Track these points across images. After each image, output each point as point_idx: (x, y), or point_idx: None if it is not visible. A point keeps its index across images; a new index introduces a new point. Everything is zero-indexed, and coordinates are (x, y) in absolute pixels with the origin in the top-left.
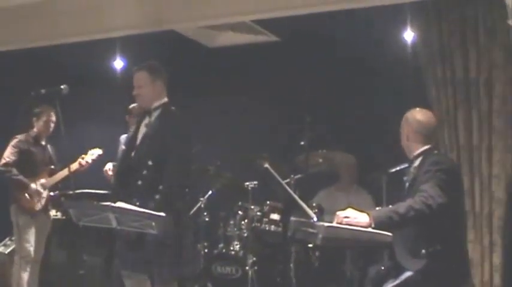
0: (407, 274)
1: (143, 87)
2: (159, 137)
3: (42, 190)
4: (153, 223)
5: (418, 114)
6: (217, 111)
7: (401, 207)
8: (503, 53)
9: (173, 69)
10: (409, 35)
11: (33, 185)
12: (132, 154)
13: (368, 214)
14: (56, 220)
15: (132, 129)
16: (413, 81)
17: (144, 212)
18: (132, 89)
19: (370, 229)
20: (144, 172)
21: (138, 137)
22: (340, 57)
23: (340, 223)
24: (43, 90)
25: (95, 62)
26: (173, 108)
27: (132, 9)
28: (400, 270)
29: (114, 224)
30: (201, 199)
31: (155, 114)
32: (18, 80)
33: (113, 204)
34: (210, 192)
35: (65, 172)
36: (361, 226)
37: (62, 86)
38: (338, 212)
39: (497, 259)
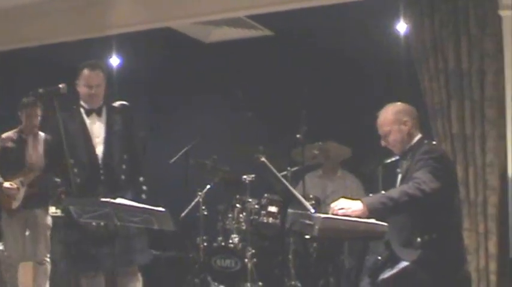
0: (404, 263)
1: (101, 86)
2: (127, 132)
3: (20, 187)
4: (153, 218)
5: (407, 106)
6: (213, 105)
7: (395, 192)
8: (494, 43)
9: (169, 65)
10: (402, 27)
11: (5, 184)
12: (98, 150)
13: (362, 201)
14: (55, 217)
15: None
16: (406, 72)
17: (144, 207)
18: (90, 87)
19: (366, 220)
20: (124, 166)
21: (94, 134)
22: (334, 50)
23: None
24: (41, 90)
25: (91, 59)
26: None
27: (127, 7)
28: (397, 259)
29: (114, 220)
30: (199, 193)
31: (104, 111)
32: (15, 80)
33: (113, 200)
34: (208, 186)
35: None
36: (357, 215)
37: (60, 85)
38: (332, 205)
39: (492, 247)
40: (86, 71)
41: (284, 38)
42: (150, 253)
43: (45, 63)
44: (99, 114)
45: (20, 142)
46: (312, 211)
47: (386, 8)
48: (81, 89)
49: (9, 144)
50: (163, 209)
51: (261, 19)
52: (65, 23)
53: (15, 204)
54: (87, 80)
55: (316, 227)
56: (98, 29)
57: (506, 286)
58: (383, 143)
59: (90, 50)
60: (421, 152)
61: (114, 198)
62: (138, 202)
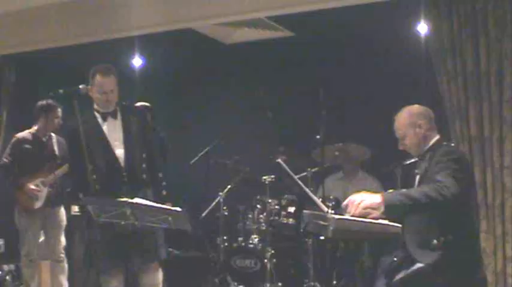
0: (419, 265)
1: (114, 90)
2: (144, 131)
3: (42, 187)
4: (170, 218)
5: (422, 108)
6: (234, 106)
7: (415, 191)
8: None
9: (190, 66)
10: (422, 28)
11: (29, 184)
12: (118, 153)
13: (380, 195)
14: (78, 216)
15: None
16: (425, 74)
17: (161, 207)
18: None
19: (381, 221)
20: (144, 165)
21: (112, 138)
22: (354, 51)
23: (356, 208)
24: (61, 90)
25: (114, 60)
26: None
27: (149, 8)
28: (413, 261)
29: (132, 220)
30: (220, 193)
31: (119, 113)
32: (40, 81)
33: (130, 200)
34: (228, 186)
35: (65, 169)
36: (372, 206)
37: (80, 86)
38: (350, 197)
39: (509, 250)
40: (99, 77)
41: (305, 39)
42: (166, 249)
43: (68, 64)
44: (114, 117)
45: (37, 143)
46: (326, 210)
47: (408, 9)
48: (95, 95)
49: (27, 145)
50: (180, 209)
51: (282, 20)
52: (88, 25)
53: (38, 204)
54: (102, 87)
55: (330, 228)
56: (120, 30)
57: None
58: (400, 146)
59: (113, 51)
60: (440, 154)
61: (132, 198)
62: (160, 199)
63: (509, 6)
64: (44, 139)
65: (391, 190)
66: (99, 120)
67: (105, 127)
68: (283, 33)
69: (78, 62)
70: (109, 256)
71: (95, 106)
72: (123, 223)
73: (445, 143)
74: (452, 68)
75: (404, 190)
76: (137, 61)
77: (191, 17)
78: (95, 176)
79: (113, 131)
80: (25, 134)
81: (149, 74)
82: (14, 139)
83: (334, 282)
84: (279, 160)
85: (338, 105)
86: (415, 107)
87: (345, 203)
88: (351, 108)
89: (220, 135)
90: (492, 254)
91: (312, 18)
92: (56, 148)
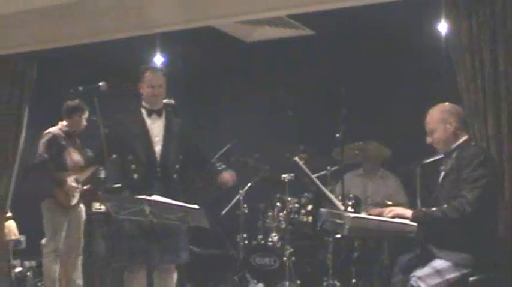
0: (438, 261)
1: (162, 87)
2: (184, 133)
3: (76, 185)
4: (188, 215)
5: (455, 107)
6: (254, 104)
7: (440, 212)
8: None
9: (211, 64)
10: (443, 27)
11: (69, 181)
12: (156, 149)
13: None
14: (99, 213)
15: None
16: (445, 74)
17: (179, 205)
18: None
19: (395, 219)
20: (177, 166)
21: (154, 134)
22: (375, 49)
23: (387, 213)
24: (81, 88)
25: (136, 58)
26: None
27: (171, 6)
28: (430, 257)
29: (150, 217)
30: (240, 191)
31: (164, 112)
32: (60, 78)
33: (148, 197)
34: (249, 184)
35: (93, 167)
36: (405, 217)
37: (100, 83)
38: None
39: None
40: (148, 73)
41: (325, 38)
42: (188, 255)
43: (89, 62)
44: (159, 115)
45: (71, 140)
46: (342, 208)
47: (429, 8)
48: (144, 90)
49: (63, 141)
50: (198, 207)
51: (302, 18)
52: (109, 22)
53: (74, 201)
54: (151, 81)
55: (346, 226)
56: (142, 27)
57: None
58: (428, 139)
59: (135, 49)
60: (469, 155)
61: (163, 194)
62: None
63: None
64: (72, 137)
65: (423, 209)
66: (144, 116)
67: (149, 123)
68: (303, 31)
69: (99, 59)
70: (131, 252)
71: (143, 103)
72: (141, 219)
73: (473, 143)
74: (471, 67)
75: (432, 210)
76: (159, 59)
77: (212, 15)
78: (134, 166)
79: (155, 128)
80: (56, 130)
81: (171, 72)
82: (48, 135)
83: (353, 280)
84: (296, 158)
85: (358, 104)
86: (448, 105)
87: (378, 209)
88: (372, 106)
89: (238, 135)
90: None
91: (332, 17)
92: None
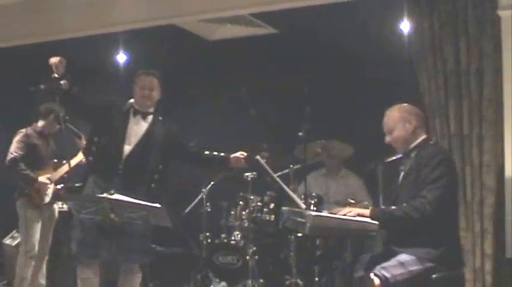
0: (402, 255)
1: (153, 91)
2: (166, 142)
3: (49, 184)
4: (150, 214)
5: (414, 107)
6: (217, 103)
7: (399, 211)
8: (492, 43)
9: (174, 62)
10: (405, 26)
11: (41, 179)
12: (126, 147)
13: (370, 210)
14: (62, 212)
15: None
16: (406, 72)
17: (140, 203)
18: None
19: (357, 218)
20: (156, 176)
21: (130, 133)
22: (337, 48)
23: (346, 214)
24: (42, 86)
25: (99, 56)
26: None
27: (133, 4)
28: (394, 254)
29: (111, 215)
30: (203, 189)
31: (151, 117)
32: (22, 76)
33: (109, 196)
34: (211, 183)
35: (66, 167)
36: (365, 216)
37: (61, 81)
38: (344, 211)
39: (488, 247)
40: (141, 76)
41: (288, 36)
42: (152, 254)
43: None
44: (144, 117)
45: (43, 140)
46: (303, 206)
47: (389, 7)
48: (136, 91)
49: (35, 141)
50: (159, 205)
51: (265, 17)
52: (72, 20)
53: (47, 199)
54: (142, 83)
55: (308, 224)
56: (104, 25)
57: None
58: (387, 139)
59: (98, 47)
60: (428, 154)
61: (112, 194)
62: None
63: (488, 5)
64: (46, 137)
65: (383, 206)
66: (130, 114)
67: (130, 121)
68: (266, 30)
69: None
70: (85, 246)
71: (134, 104)
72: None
73: (431, 142)
74: (433, 66)
75: (392, 208)
76: (121, 57)
77: (175, 13)
78: (94, 148)
79: (134, 129)
80: (30, 130)
81: (133, 70)
82: (20, 134)
83: (316, 279)
84: (258, 157)
85: (321, 103)
86: (407, 105)
87: (338, 210)
88: (334, 105)
89: (203, 133)
90: (471, 251)
91: (295, 16)
92: (54, 146)
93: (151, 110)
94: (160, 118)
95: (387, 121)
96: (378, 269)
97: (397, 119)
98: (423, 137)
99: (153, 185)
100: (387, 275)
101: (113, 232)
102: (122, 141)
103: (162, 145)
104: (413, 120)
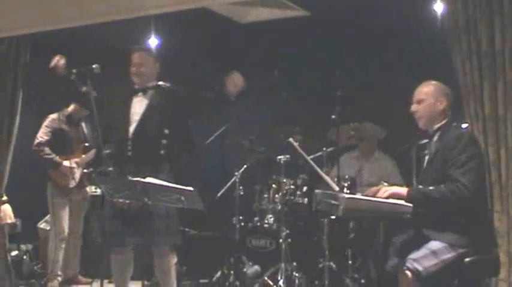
0: (433, 243)
1: (143, 66)
2: (170, 108)
3: (76, 168)
4: (183, 198)
5: (448, 89)
6: (249, 86)
7: (437, 193)
8: None
9: (206, 45)
10: (438, 7)
11: (65, 163)
12: (130, 128)
13: (408, 190)
14: (95, 196)
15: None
16: (441, 53)
17: (174, 187)
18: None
19: (390, 200)
20: (164, 141)
21: (134, 112)
22: (370, 30)
23: (383, 193)
24: (74, 70)
25: (130, 40)
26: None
27: None
28: (425, 240)
29: (144, 199)
30: (236, 173)
31: (151, 91)
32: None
33: (143, 179)
34: (244, 166)
35: (93, 152)
36: (398, 197)
37: (93, 65)
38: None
39: None
40: (132, 53)
41: (320, 18)
42: (179, 235)
43: (83, 45)
44: (144, 93)
45: (72, 125)
46: (337, 189)
47: None
48: (129, 68)
49: (64, 125)
50: (192, 189)
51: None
52: (104, 4)
53: (73, 183)
54: (132, 60)
55: (341, 207)
56: (136, 9)
57: None
58: (413, 107)
59: (129, 31)
60: (454, 137)
61: (144, 177)
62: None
63: None
64: (77, 122)
65: (420, 186)
66: (133, 96)
67: (133, 102)
68: (298, 12)
69: (93, 42)
70: (111, 237)
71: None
72: (135, 202)
73: (454, 124)
74: (467, 47)
75: (429, 188)
76: (153, 41)
77: None
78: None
79: (137, 107)
80: (58, 115)
81: (166, 54)
82: (47, 119)
83: (350, 262)
84: (291, 139)
85: (354, 85)
86: (443, 86)
87: (374, 188)
88: (367, 88)
89: (235, 117)
90: (505, 234)
91: None
92: (86, 131)
93: (151, 84)
94: (167, 85)
95: (420, 90)
96: (410, 262)
97: (431, 93)
98: (446, 120)
99: (161, 152)
100: (419, 268)
101: (135, 218)
102: (127, 123)
103: (165, 111)
104: (445, 101)
